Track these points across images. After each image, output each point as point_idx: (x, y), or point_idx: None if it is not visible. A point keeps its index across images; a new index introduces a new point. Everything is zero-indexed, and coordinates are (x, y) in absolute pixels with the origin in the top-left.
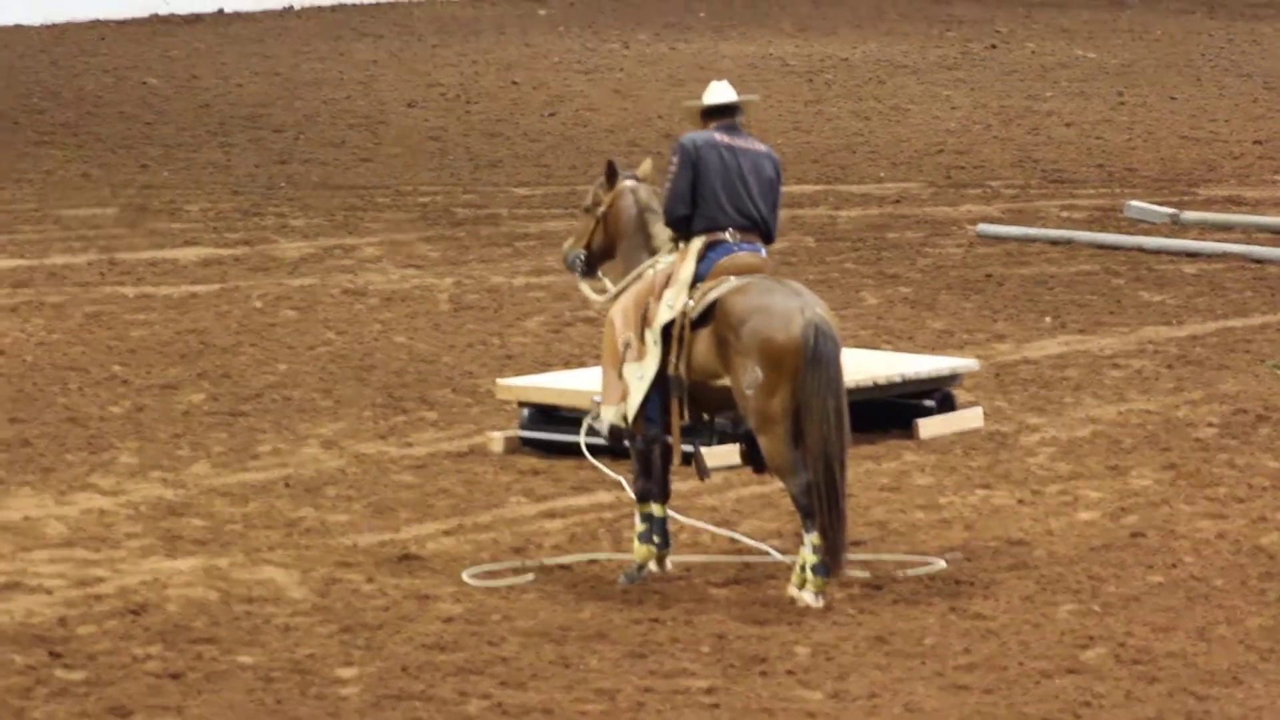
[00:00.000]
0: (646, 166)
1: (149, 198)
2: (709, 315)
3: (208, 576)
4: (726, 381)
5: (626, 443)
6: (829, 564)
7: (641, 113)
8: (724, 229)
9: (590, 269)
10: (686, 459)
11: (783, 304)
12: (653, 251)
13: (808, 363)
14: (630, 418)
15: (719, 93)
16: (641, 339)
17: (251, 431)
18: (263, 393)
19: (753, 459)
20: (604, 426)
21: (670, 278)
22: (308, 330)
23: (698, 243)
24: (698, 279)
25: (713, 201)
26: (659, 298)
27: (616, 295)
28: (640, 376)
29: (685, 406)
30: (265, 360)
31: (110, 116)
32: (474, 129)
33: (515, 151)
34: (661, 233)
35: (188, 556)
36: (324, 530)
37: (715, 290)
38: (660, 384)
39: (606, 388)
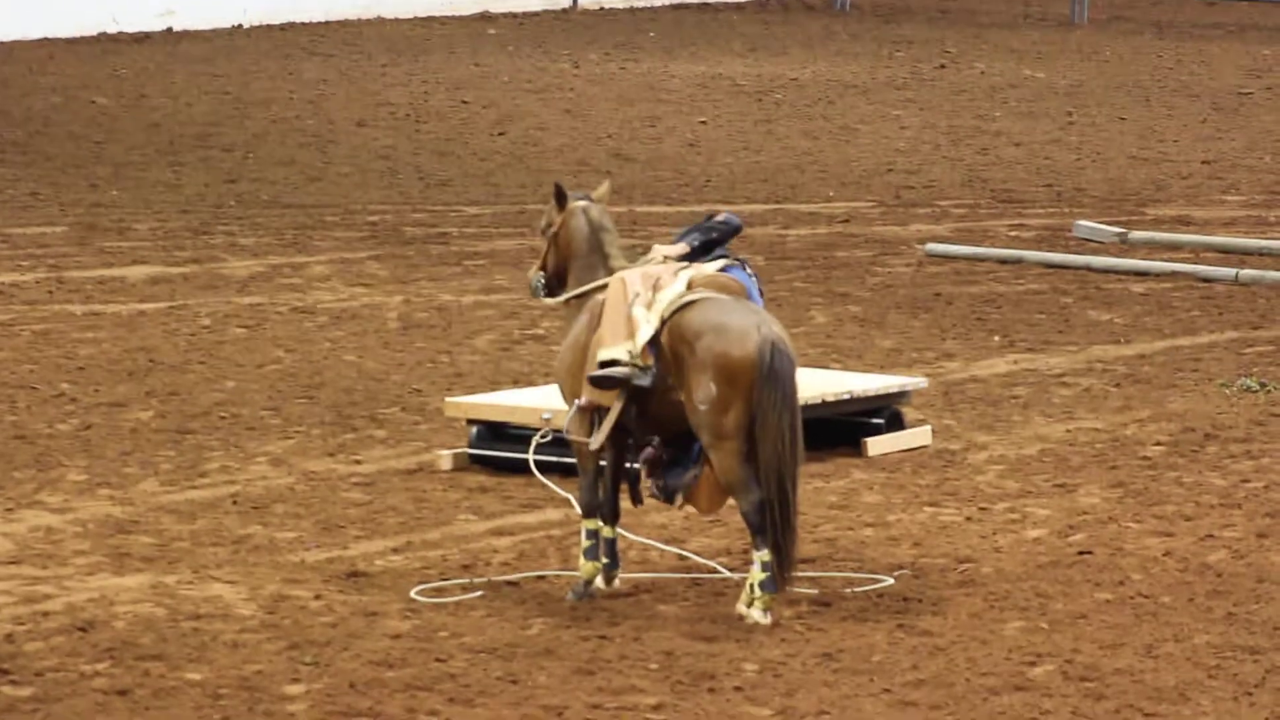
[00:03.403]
0: (604, 189)
1: (98, 216)
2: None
3: (155, 593)
4: (680, 396)
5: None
6: (777, 580)
7: (591, 132)
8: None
9: (551, 292)
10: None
11: (739, 321)
12: (610, 270)
13: (763, 379)
14: (639, 351)
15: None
16: (649, 302)
17: (200, 449)
18: (211, 410)
19: (632, 493)
20: (619, 368)
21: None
22: (256, 348)
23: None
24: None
25: None
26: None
27: (576, 296)
28: (648, 320)
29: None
30: (214, 378)
31: (59, 135)
32: (424, 148)
33: (465, 170)
34: (619, 253)
35: (135, 573)
36: (272, 547)
37: (673, 305)
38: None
39: (612, 329)
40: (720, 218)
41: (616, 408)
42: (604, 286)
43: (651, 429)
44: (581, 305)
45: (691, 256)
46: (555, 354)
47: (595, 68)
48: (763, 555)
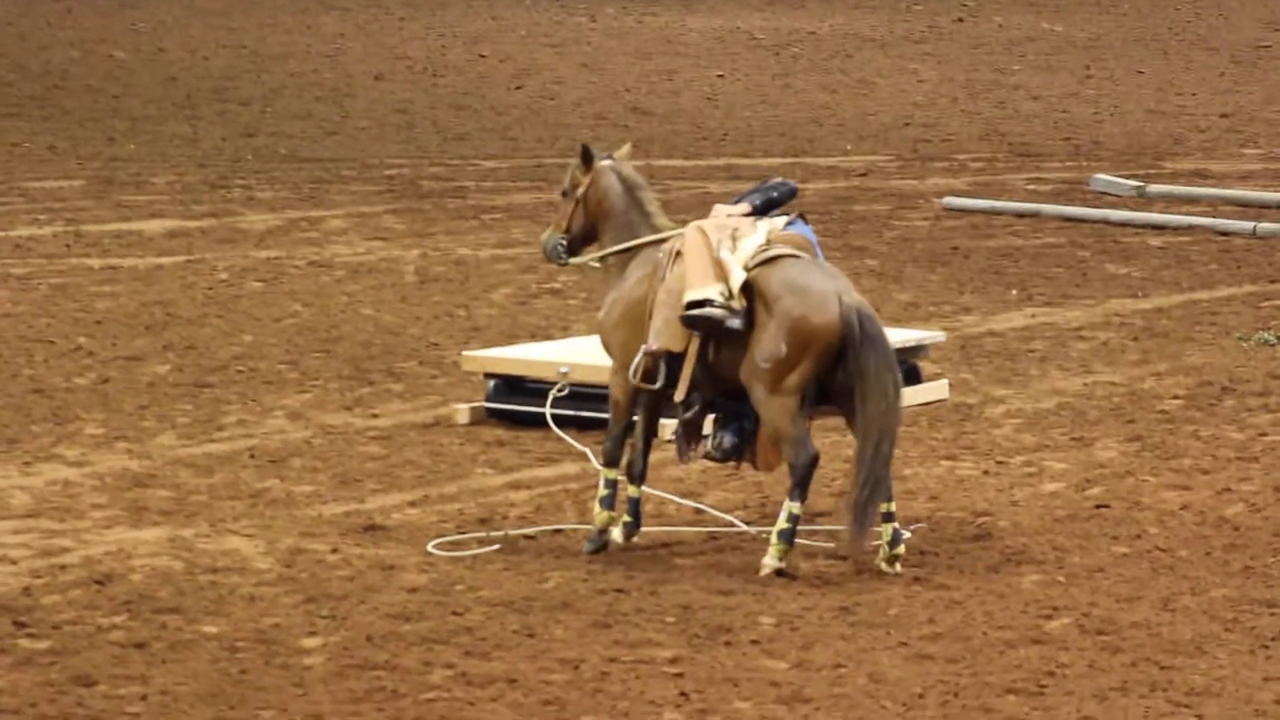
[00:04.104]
0: (625, 150)
1: (115, 170)
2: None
3: (173, 547)
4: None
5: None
6: (857, 524)
7: (609, 86)
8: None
9: (573, 254)
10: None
11: (820, 285)
12: (654, 228)
13: (860, 343)
14: (735, 293)
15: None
16: (733, 249)
17: (217, 403)
18: (228, 364)
19: (681, 442)
20: (712, 309)
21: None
22: (274, 302)
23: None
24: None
25: None
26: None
27: (617, 252)
28: (738, 264)
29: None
30: (231, 332)
31: (77, 89)
32: (441, 102)
33: (482, 124)
34: (659, 210)
35: (153, 527)
36: (289, 501)
37: (756, 257)
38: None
39: (699, 273)
40: (778, 179)
41: (693, 354)
42: (654, 243)
43: (707, 382)
44: (624, 262)
45: (752, 216)
46: (574, 309)
47: (613, 21)
48: (793, 507)
